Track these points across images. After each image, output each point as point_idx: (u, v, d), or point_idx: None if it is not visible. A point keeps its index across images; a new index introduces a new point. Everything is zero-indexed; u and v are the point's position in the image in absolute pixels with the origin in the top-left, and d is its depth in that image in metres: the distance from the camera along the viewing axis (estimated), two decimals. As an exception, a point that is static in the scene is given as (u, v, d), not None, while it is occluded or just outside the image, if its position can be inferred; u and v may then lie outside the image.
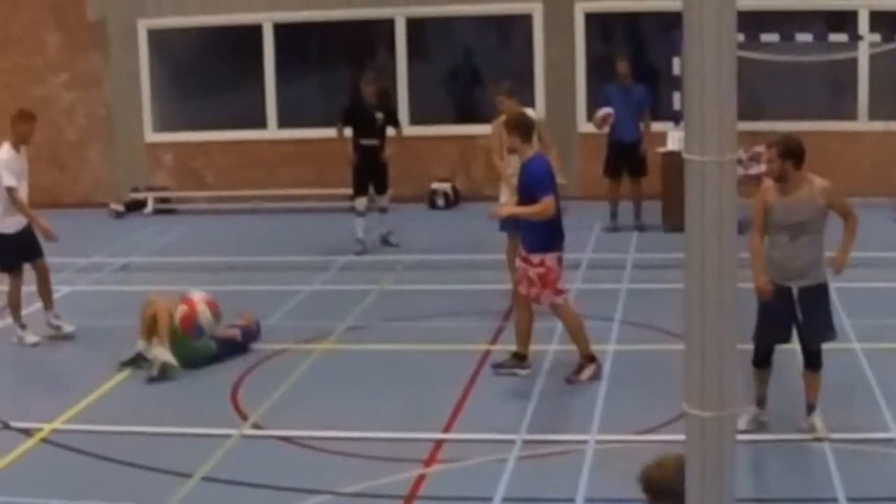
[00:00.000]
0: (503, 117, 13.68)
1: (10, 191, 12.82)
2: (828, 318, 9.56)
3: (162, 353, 11.70)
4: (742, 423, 9.37)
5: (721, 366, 4.04)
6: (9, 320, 13.38)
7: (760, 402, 9.76)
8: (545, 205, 11.08)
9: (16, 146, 13.00)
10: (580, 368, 11.31)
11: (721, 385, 4.03)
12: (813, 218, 9.30)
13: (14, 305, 13.18)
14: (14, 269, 13.13)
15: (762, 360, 9.65)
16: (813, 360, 9.55)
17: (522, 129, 11.37)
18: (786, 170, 9.30)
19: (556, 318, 11.58)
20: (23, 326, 13.14)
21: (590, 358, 11.35)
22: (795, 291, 9.37)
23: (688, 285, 4.03)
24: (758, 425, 9.69)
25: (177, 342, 11.89)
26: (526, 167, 11.32)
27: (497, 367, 11.58)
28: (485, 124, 20.10)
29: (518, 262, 11.47)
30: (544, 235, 11.21)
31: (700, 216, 3.98)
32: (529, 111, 14.02)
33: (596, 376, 11.27)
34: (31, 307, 13.52)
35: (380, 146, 17.10)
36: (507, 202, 12.91)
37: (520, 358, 11.53)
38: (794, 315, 9.41)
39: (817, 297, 9.44)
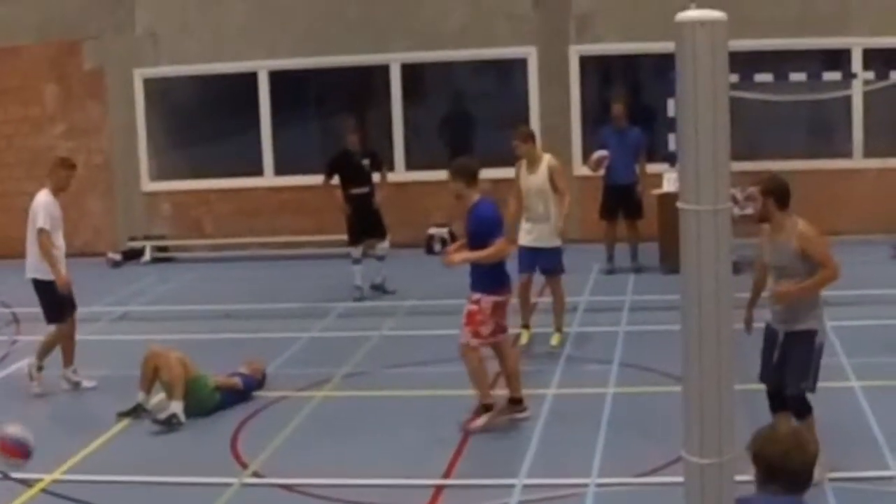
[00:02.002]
0: (523, 161, 13.82)
1: (41, 232, 12.74)
2: (804, 366, 9.21)
3: (177, 407, 11.70)
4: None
5: (719, 412, 4.05)
6: (11, 369, 13.33)
7: None
8: (498, 247, 11.09)
9: (54, 193, 13.00)
10: (475, 416, 11.27)
11: (719, 432, 4.04)
12: (790, 262, 9.18)
13: (46, 349, 13.05)
14: (61, 319, 13.03)
15: (771, 403, 9.47)
16: (793, 407, 9.27)
17: (466, 174, 11.33)
18: (767, 208, 9.26)
19: (496, 357, 11.58)
20: (40, 368, 13.03)
21: (487, 408, 11.27)
22: (781, 335, 9.30)
23: (684, 334, 4.05)
24: None
25: (189, 393, 11.88)
26: (473, 212, 11.30)
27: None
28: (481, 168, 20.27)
29: None
30: (487, 277, 11.19)
31: (696, 264, 4.00)
32: (547, 156, 14.10)
33: (489, 426, 11.16)
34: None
35: (370, 192, 17.19)
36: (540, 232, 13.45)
37: (515, 402, 11.51)
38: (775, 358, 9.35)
39: (797, 343, 9.22)
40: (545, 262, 13.90)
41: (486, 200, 11.41)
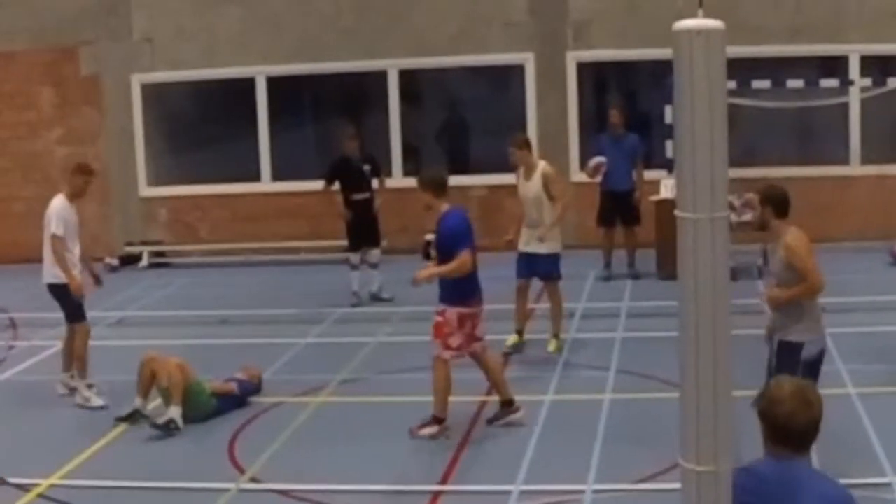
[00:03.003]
0: (522, 169, 13.83)
1: (54, 238, 12.70)
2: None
3: (175, 413, 11.70)
4: None
5: (716, 420, 4.05)
6: (7, 374, 13.29)
7: None
8: (462, 260, 11.03)
9: (70, 199, 12.97)
10: (424, 424, 11.29)
11: (716, 439, 4.04)
12: (779, 271, 9.19)
13: (80, 361, 12.94)
14: (83, 316, 13.01)
15: None
16: None
17: (434, 184, 11.34)
18: (765, 217, 9.27)
19: (481, 365, 11.58)
20: (90, 386, 12.87)
21: (438, 420, 11.28)
22: (775, 343, 9.30)
23: (681, 341, 4.05)
24: None
25: (186, 399, 11.87)
26: (442, 222, 11.29)
27: (491, 420, 11.57)
28: (478, 175, 20.35)
29: None
30: (451, 289, 11.18)
31: (693, 271, 4.00)
32: (542, 163, 14.10)
33: (434, 437, 11.19)
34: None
35: (371, 198, 17.22)
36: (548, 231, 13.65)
37: (507, 405, 11.52)
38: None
39: (784, 353, 9.19)
40: (541, 268, 13.93)
41: (455, 211, 11.41)
